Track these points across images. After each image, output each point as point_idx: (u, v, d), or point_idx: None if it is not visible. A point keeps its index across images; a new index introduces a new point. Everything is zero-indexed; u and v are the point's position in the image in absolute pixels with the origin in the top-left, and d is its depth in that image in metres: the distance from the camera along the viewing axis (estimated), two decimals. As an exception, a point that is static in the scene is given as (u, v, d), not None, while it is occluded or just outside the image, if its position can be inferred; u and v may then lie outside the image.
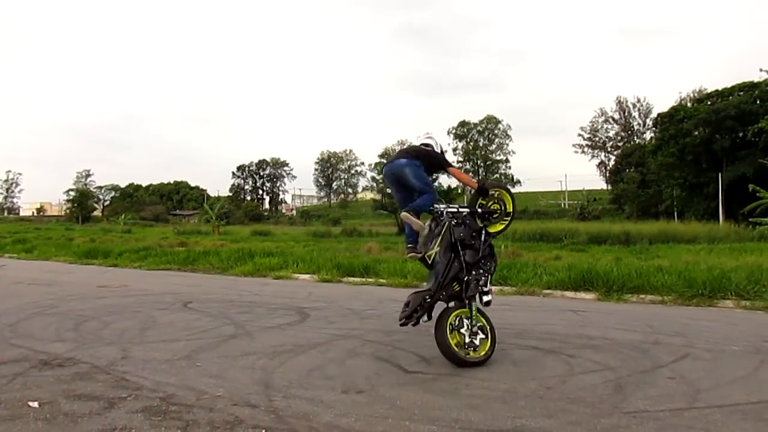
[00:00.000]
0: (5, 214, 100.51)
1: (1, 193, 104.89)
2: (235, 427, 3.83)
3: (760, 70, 49.85)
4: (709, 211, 49.45)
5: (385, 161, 6.38)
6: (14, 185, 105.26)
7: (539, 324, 7.58)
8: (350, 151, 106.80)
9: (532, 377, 5.03)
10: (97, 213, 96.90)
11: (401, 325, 5.67)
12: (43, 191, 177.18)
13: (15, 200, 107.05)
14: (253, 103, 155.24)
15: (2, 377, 4.98)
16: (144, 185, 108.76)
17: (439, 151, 6.63)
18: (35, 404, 4.26)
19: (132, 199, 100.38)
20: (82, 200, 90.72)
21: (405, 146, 6.69)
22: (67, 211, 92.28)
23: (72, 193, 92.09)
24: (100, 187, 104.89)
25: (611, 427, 3.84)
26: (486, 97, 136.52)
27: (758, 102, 50.99)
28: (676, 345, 6.21)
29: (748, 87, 53.44)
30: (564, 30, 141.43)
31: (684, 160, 54.14)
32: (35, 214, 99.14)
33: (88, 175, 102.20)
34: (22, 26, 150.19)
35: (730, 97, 53.67)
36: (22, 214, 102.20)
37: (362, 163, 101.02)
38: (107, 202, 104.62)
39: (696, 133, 53.81)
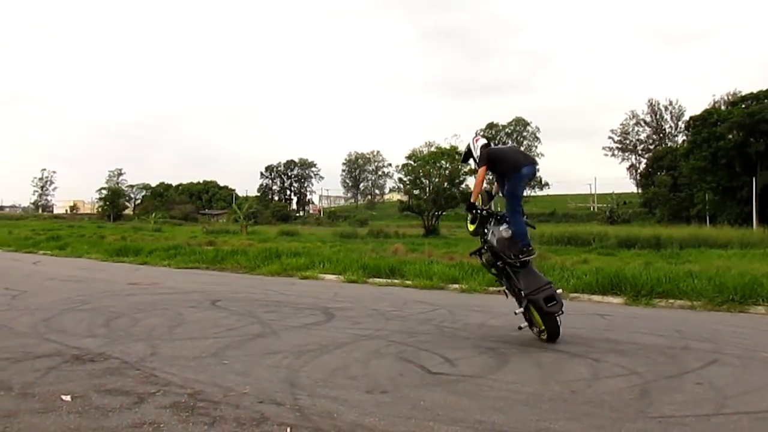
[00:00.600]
0: (40, 211, 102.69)
1: (36, 191, 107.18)
2: (260, 424, 3.89)
3: (797, 72, 48.71)
4: (742, 216, 48.50)
5: (527, 162, 6.80)
6: (48, 183, 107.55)
7: (565, 327, 7.48)
8: (377, 152, 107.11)
9: (557, 380, 5.02)
10: (128, 211, 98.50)
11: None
12: (77, 189, 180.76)
13: (49, 198, 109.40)
14: (281, 103, 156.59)
15: (36, 371, 5.12)
16: (174, 184, 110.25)
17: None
18: (68, 398, 4.38)
19: (162, 198, 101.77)
20: (113, 199, 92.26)
21: (517, 148, 7.09)
22: (99, 209, 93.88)
23: (104, 192, 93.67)
24: (132, 186, 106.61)
25: (636, 432, 3.82)
26: (515, 99, 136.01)
27: (794, 105, 49.90)
28: (704, 351, 6.13)
29: (785, 90, 52.31)
30: (594, 31, 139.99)
31: (717, 163, 53.19)
32: (68, 212, 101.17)
33: (120, 174, 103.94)
34: (58, 27, 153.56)
35: (766, 101, 52.57)
36: (55, 211, 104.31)
37: (389, 165, 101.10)
38: (138, 201, 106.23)
39: (730, 136, 52.79)
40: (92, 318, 7.87)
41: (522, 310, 6.55)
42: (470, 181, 51.80)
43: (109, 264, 18.12)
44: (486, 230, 6.75)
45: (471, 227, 6.97)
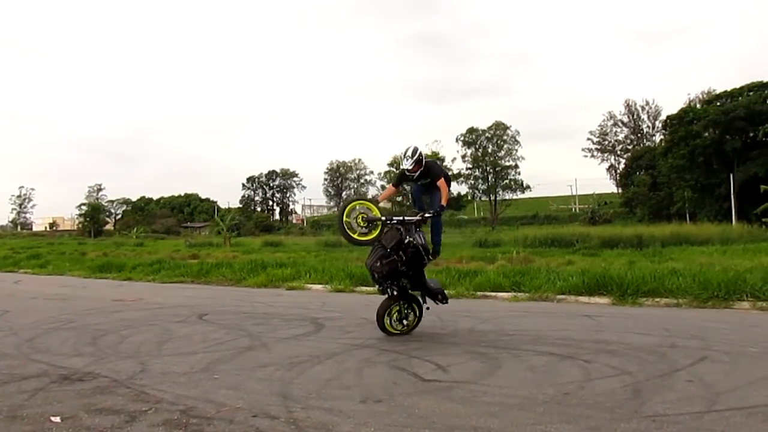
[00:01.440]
0: (18, 229, 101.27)
1: (15, 209, 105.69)
2: (255, 438, 3.86)
3: (770, 69, 49.60)
4: (721, 213, 49.10)
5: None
6: (27, 200, 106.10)
7: (554, 330, 7.57)
8: (359, 160, 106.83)
9: (550, 383, 5.03)
10: (109, 227, 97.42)
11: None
12: (56, 206, 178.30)
13: (28, 215, 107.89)
14: (261, 114, 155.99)
15: (24, 392, 5.04)
16: (155, 198, 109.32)
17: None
18: (57, 419, 4.31)
19: (143, 213, 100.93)
20: (94, 214, 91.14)
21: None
22: (80, 225, 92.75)
23: (84, 208, 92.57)
24: (112, 201, 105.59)
25: (631, 432, 3.84)
26: (494, 103, 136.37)
27: (767, 102, 50.68)
28: (693, 348, 6.19)
29: (758, 87, 53.13)
30: (570, 33, 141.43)
31: (695, 161, 53.84)
32: (48, 229, 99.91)
33: (100, 189, 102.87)
34: (34, 41, 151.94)
35: (740, 98, 53.37)
36: (35, 229, 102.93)
37: (372, 172, 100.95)
38: (119, 216, 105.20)
39: (706, 134, 53.50)
40: (78, 336, 7.76)
41: (426, 306, 7.53)
42: (453, 187, 52.03)
43: (92, 281, 17.90)
44: (409, 236, 7.16)
45: (365, 237, 7.35)
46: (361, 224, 7.27)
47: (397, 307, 7.41)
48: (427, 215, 7.35)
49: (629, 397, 4.56)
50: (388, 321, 7.38)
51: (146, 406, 4.57)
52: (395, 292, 7.28)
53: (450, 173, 50.87)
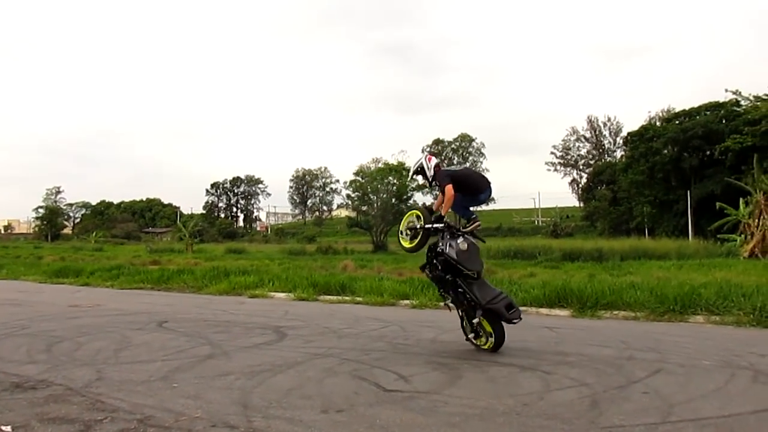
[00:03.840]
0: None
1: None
2: (214, 448, 3.81)
3: (726, 90, 51.21)
4: (678, 228, 50.43)
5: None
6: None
7: (515, 341, 7.63)
8: (325, 168, 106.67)
9: (510, 394, 5.08)
10: (67, 231, 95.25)
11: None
12: (11, 209, 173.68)
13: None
14: (227, 119, 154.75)
15: (-27, 401, 4.88)
16: (116, 202, 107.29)
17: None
18: (8, 428, 4.18)
19: (103, 217, 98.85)
20: (51, 218, 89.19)
21: (477, 171, 7.46)
22: (36, 228, 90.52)
23: (41, 211, 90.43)
24: (71, 205, 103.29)
25: (588, 443, 3.90)
26: (460, 115, 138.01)
27: (724, 122, 52.32)
28: (649, 360, 6.32)
29: (715, 107, 54.85)
30: (537, 49, 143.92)
31: (654, 177, 55.24)
32: (2, 231, 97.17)
33: (58, 192, 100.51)
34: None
35: (698, 117, 55.02)
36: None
37: (337, 181, 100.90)
38: (78, 220, 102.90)
39: (665, 151, 54.98)
40: (32, 343, 7.55)
41: (476, 320, 6.76)
42: (418, 197, 52.23)
43: (48, 286, 17.47)
44: (441, 243, 6.91)
45: (410, 244, 7.29)
46: (407, 232, 7.29)
47: (464, 319, 7.14)
48: (436, 225, 6.95)
49: (587, 408, 4.63)
50: (465, 333, 7.15)
51: (102, 415, 4.47)
52: (449, 302, 7.11)
53: (415, 184, 51.21)
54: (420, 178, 7.38)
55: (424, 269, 7.29)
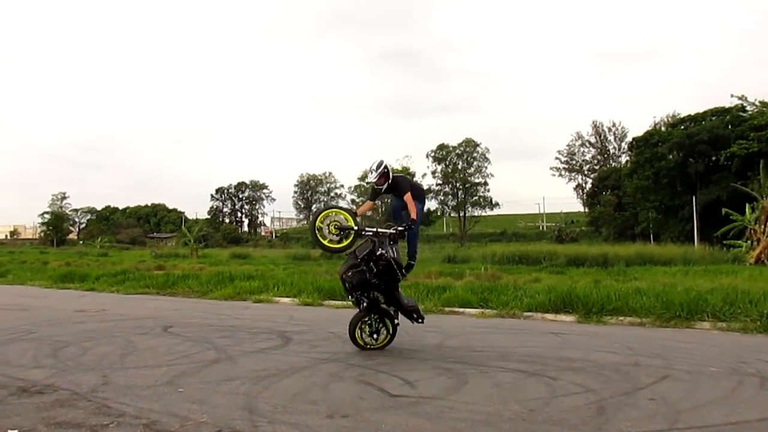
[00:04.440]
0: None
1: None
2: (220, 453, 3.81)
3: (732, 95, 51.10)
4: (684, 234, 50.18)
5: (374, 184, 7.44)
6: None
7: (521, 346, 7.64)
8: (330, 173, 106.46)
9: (516, 399, 5.07)
10: (72, 236, 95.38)
11: None
12: (17, 214, 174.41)
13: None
14: (232, 125, 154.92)
15: (-20, 405, 4.90)
16: (121, 208, 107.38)
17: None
18: (15, 432, 4.20)
19: (108, 222, 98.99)
20: (57, 223, 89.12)
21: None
22: (42, 234, 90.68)
23: (47, 216, 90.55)
24: (76, 210, 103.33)
25: (595, 449, 3.89)
26: (464, 119, 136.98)
27: (730, 127, 52.14)
28: (655, 366, 6.30)
29: (721, 112, 54.64)
30: (541, 54, 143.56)
31: (659, 183, 55.07)
32: (8, 237, 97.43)
33: (64, 198, 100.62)
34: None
35: (703, 122, 54.85)
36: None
37: (342, 186, 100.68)
38: (83, 225, 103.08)
39: (670, 156, 54.78)
40: (38, 348, 7.58)
41: (397, 321, 7.50)
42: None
43: (53, 291, 17.50)
44: (381, 248, 7.16)
45: (339, 244, 7.43)
46: (333, 231, 7.29)
47: (369, 321, 7.42)
48: (400, 228, 7.35)
49: (593, 415, 4.62)
50: (359, 333, 7.40)
51: (108, 420, 4.49)
52: (365, 304, 7.28)
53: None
54: (372, 177, 7.68)
55: (348, 272, 7.29)
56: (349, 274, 7.22)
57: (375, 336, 7.44)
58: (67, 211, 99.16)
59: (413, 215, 7.50)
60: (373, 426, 4.36)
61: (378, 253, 7.12)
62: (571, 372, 6.09)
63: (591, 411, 4.72)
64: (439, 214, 73.41)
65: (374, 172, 7.61)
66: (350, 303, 12.54)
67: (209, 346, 7.74)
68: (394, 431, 4.24)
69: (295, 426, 4.34)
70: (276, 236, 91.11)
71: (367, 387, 5.58)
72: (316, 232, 7.32)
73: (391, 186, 7.71)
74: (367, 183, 7.97)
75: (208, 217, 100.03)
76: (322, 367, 6.42)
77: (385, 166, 7.63)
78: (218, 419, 4.50)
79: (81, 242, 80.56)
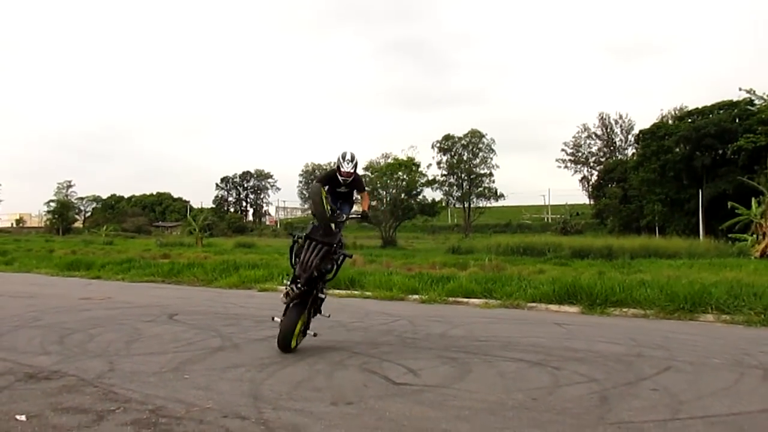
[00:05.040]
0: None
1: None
2: (225, 438, 3.85)
3: (740, 89, 50.72)
4: (689, 227, 50.10)
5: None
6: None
7: (525, 336, 7.66)
8: (335, 163, 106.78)
9: (519, 389, 5.10)
10: (78, 224, 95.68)
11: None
12: (23, 202, 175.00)
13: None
14: (238, 114, 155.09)
15: (-12, 389, 4.95)
16: (126, 196, 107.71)
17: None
18: (23, 417, 4.24)
19: (114, 211, 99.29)
20: (62, 211, 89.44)
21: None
22: (47, 222, 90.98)
23: (53, 205, 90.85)
24: (81, 199, 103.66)
25: (597, 438, 3.91)
26: (470, 111, 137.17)
27: (737, 120, 51.88)
28: (658, 358, 6.32)
29: (728, 106, 54.38)
30: (548, 46, 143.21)
31: (665, 176, 54.88)
32: (14, 225, 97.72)
33: (69, 186, 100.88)
34: (4, 34, 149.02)
35: (711, 115, 54.59)
36: (0, 225, 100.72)
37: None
38: (88, 214, 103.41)
39: (677, 149, 54.60)
40: (45, 335, 7.63)
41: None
42: (428, 193, 52.29)
43: (59, 279, 17.58)
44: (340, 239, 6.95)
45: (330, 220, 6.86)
46: (330, 208, 6.89)
47: (305, 318, 6.77)
48: (364, 211, 7.23)
49: (596, 404, 4.64)
50: (295, 337, 6.62)
51: (114, 406, 4.53)
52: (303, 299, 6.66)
53: (425, 179, 51.18)
54: (348, 167, 7.02)
55: (320, 261, 6.63)
56: (320, 262, 6.61)
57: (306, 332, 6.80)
58: (72, 200, 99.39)
59: (367, 209, 7.39)
60: (376, 413, 4.39)
61: (341, 243, 6.90)
62: (574, 362, 6.11)
63: (594, 400, 4.74)
64: (443, 204, 73.40)
65: (350, 163, 7.03)
66: (354, 293, 12.64)
67: (214, 333, 7.79)
68: (397, 419, 4.27)
69: (299, 413, 4.38)
70: (280, 226, 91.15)
71: (371, 375, 5.61)
72: (325, 200, 6.81)
73: (354, 180, 7.19)
74: (336, 170, 7.13)
75: (213, 206, 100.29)
76: (325, 355, 6.46)
77: (356, 162, 7.15)
78: (223, 405, 4.54)
79: (86, 231, 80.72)
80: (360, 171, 7.52)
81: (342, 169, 7.01)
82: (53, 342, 7.16)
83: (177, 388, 5.06)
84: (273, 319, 6.92)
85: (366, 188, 7.61)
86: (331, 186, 7.23)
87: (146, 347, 6.90)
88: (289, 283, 6.74)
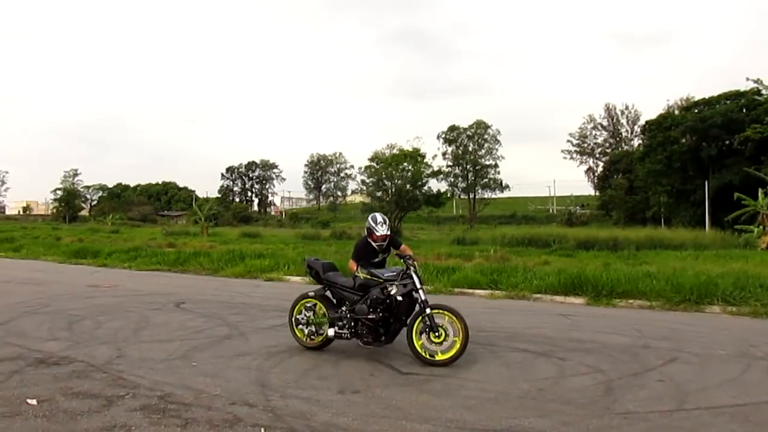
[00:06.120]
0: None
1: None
2: (234, 425, 3.89)
3: (747, 79, 50.36)
4: (695, 218, 49.86)
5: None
6: (0, 184, 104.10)
7: (530, 327, 7.68)
8: (340, 153, 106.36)
9: (525, 379, 5.13)
10: (84, 213, 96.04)
11: None
12: (30, 190, 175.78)
13: (1, 199, 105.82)
14: (243, 104, 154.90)
15: (-1, 375, 5.01)
16: (132, 185, 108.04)
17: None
18: (34, 401, 4.30)
19: (120, 199, 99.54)
20: (69, 200, 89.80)
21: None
22: (54, 210, 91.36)
23: (59, 193, 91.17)
24: (88, 187, 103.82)
25: (602, 428, 3.94)
26: (475, 102, 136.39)
27: (744, 111, 51.47)
28: (664, 349, 6.33)
29: (735, 96, 53.93)
30: (554, 36, 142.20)
31: (671, 167, 54.58)
32: (21, 213, 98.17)
33: (76, 175, 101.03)
34: (9, 24, 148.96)
35: (717, 106, 54.14)
36: (7, 213, 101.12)
37: (352, 166, 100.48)
38: (95, 202, 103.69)
39: (683, 140, 54.26)
40: (53, 321, 7.70)
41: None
42: (433, 184, 52.20)
43: (67, 266, 17.68)
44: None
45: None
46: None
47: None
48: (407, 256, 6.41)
49: (601, 394, 4.66)
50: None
51: (123, 391, 4.58)
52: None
53: (430, 170, 51.11)
54: (383, 229, 6.61)
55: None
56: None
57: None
58: (79, 188, 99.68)
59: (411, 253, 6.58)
60: (383, 402, 4.43)
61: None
62: (580, 353, 6.13)
63: (599, 391, 4.76)
64: (448, 195, 73.32)
65: (383, 225, 6.60)
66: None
67: (221, 322, 7.84)
68: (404, 407, 4.30)
69: (306, 401, 4.41)
70: (286, 216, 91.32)
71: (377, 364, 5.65)
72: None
73: (389, 241, 6.70)
74: (376, 243, 6.31)
75: (219, 195, 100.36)
76: (332, 344, 6.47)
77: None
78: (231, 393, 4.58)
79: (93, 219, 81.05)
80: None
81: (376, 234, 6.55)
82: (62, 328, 7.23)
83: (185, 375, 5.11)
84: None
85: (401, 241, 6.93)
86: (366, 258, 6.67)
87: (154, 334, 6.96)
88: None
